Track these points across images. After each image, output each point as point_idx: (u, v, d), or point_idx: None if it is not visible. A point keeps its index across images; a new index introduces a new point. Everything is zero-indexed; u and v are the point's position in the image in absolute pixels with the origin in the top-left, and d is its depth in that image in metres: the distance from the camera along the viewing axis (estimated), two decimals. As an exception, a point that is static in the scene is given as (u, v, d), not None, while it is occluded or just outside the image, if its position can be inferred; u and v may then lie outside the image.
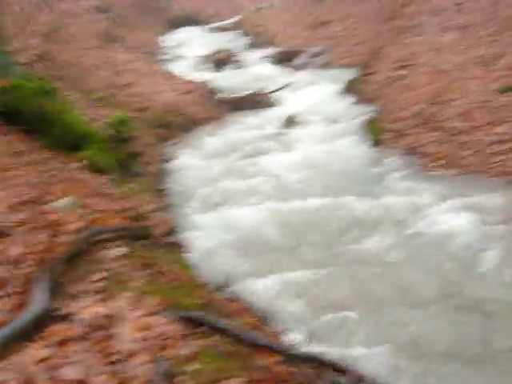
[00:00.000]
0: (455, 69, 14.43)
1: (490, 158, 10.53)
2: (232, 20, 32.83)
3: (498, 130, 11.18)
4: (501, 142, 10.83)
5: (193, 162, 12.51)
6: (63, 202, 6.29)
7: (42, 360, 3.85)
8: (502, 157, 10.47)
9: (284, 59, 22.44)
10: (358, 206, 9.61)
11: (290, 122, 14.61)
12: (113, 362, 3.88)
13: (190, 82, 18.61)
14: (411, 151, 11.58)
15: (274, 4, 32.91)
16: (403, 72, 15.83)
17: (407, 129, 12.39)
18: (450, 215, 8.94)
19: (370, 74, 17.25)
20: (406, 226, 8.84)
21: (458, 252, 8.03)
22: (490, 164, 10.40)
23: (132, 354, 3.96)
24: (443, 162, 10.88)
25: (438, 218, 8.94)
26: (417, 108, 12.98)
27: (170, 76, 19.27)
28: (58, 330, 4.13)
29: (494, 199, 9.28)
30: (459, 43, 15.99)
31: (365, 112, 14.40)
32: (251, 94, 17.31)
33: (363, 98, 15.78)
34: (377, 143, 12.41)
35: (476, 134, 11.29)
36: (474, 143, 11.07)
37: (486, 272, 7.50)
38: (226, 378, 3.92)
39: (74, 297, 4.50)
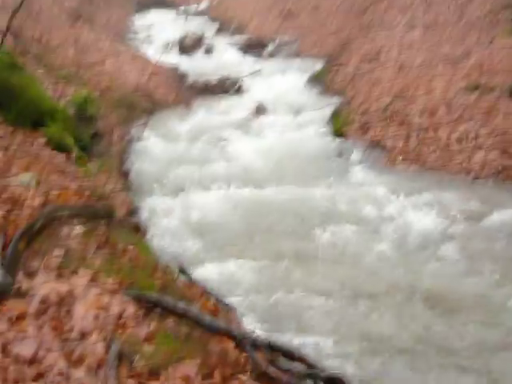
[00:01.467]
0: (423, 65, 14.51)
1: (453, 155, 10.62)
2: (201, 5, 32.63)
3: (462, 127, 11.26)
4: (464, 139, 10.92)
5: (158, 145, 12.43)
6: (24, 177, 6.21)
7: (-5, 335, 3.80)
8: (464, 154, 10.56)
9: (253, 47, 22.37)
10: (319, 196, 9.66)
11: (257, 109, 14.58)
12: (67, 340, 3.84)
13: (159, 64, 18.46)
14: (376, 144, 11.64)
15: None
16: (371, 65, 15.87)
17: (373, 122, 12.44)
18: (411, 210, 9.02)
19: (339, 65, 17.25)
20: (365, 219, 8.89)
21: (414, 246, 8.10)
22: (453, 161, 10.50)
23: (86, 333, 3.93)
24: (407, 156, 10.97)
25: (398, 212, 9.01)
26: (383, 102, 13.03)
27: (139, 57, 19.11)
28: (14, 305, 4.08)
29: (454, 196, 9.37)
30: (428, 40, 16.08)
31: (331, 103, 14.41)
32: (219, 80, 17.24)
33: (330, 89, 15.79)
34: (342, 134, 12.44)
35: (440, 130, 11.38)
36: (438, 140, 11.16)
37: (440, 267, 7.60)
38: (180, 361, 3.90)
39: (32, 273, 4.45)
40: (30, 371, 3.53)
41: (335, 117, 13.41)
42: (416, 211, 8.95)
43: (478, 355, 5.89)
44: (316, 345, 5.76)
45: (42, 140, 8.53)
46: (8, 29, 11.83)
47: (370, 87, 14.34)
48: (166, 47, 22.77)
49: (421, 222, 8.62)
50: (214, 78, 17.38)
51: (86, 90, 12.54)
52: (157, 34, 25.27)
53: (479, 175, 10.06)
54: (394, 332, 6.25)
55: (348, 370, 5.28)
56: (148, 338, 4.04)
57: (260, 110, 14.57)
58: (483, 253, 7.82)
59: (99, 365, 3.66)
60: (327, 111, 13.90)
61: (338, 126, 12.83)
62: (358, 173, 10.65)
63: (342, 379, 4.01)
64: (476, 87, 12.45)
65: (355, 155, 11.42)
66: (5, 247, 4.56)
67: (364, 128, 12.38)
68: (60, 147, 8.75)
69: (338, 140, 12.29)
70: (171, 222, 8.93)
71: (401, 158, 10.98)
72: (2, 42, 11.07)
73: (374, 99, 13.41)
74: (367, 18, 20.21)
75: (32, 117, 8.88)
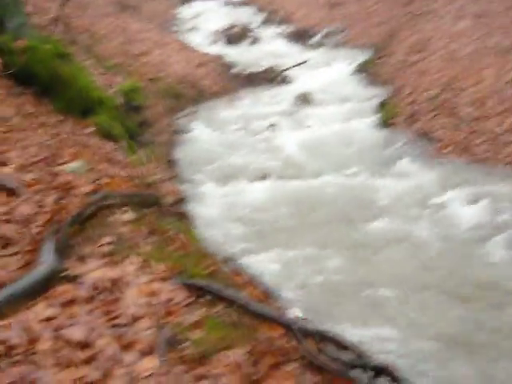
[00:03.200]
0: (472, 56, 14.33)
1: (502, 147, 10.49)
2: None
3: (511, 119, 11.11)
4: (513, 131, 10.79)
5: (204, 135, 12.50)
6: (74, 165, 6.28)
7: (47, 319, 3.85)
8: (513, 146, 10.44)
9: (299, 37, 22.34)
10: (368, 187, 9.62)
11: (304, 100, 14.55)
12: (117, 326, 3.88)
13: (205, 54, 18.53)
14: (423, 135, 11.55)
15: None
16: (419, 56, 15.73)
17: (421, 113, 12.34)
18: (459, 202, 8.94)
19: (385, 56, 17.15)
20: (414, 210, 8.83)
21: (463, 238, 8.03)
22: (502, 153, 10.36)
23: (136, 319, 3.97)
24: (455, 148, 10.85)
25: (446, 203, 8.94)
26: (431, 93, 12.91)
27: (185, 48, 19.16)
28: (65, 290, 4.13)
29: (504, 188, 9.25)
30: (477, 30, 15.86)
31: (378, 94, 14.35)
32: (265, 70, 17.24)
33: (377, 80, 15.71)
34: (389, 125, 12.37)
35: (489, 121, 11.24)
36: (486, 131, 11.03)
37: (490, 259, 7.52)
38: (229, 348, 3.92)
39: (82, 259, 4.50)
40: (82, 354, 3.57)
41: (382, 107, 13.33)
42: (464, 203, 8.86)
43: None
44: (366, 335, 5.75)
45: (91, 129, 8.63)
46: (58, 19, 12.00)
47: (417, 78, 14.22)
48: (213, 37, 22.84)
49: (469, 213, 8.53)
50: (259, 69, 17.38)
51: (134, 79, 12.63)
52: (203, 24, 25.34)
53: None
54: (447, 323, 6.22)
55: (399, 360, 5.25)
56: (197, 325, 4.06)
57: (306, 101, 14.54)
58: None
59: (150, 350, 3.69)
60: (374, 102, 13.82)
61: (386, 116, 12.75)
62: (406, 164, 10.55)
63: (390, 369, 3.99)
64: (526, 78, 12.28)
65: (403, 146, 11.33)
66: (57, 233, 4.62)
67: (412, 119, 12.29)
68: (109, 136, 8.85)
69: (385, 131, 12.22)
70: (218, 211, 8.98)
71: (449, 149, 10.87)
72: (52, 31, 11.22)
73: (422, 90, 13.29)
74: (415, 7, 20.01)
75: (81, 106, 8.98)
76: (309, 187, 9.76)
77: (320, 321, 5.49)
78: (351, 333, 5.42)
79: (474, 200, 8.90)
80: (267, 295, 5.56)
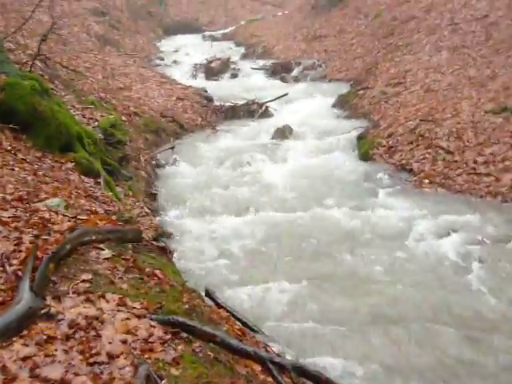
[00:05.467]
0: (449, 88, 14.50)
1: (480, 178, 10.58)
2: (227, 29, 33.03)
3: (489, 150, 11.22)
4: (491, 162, 10.87)
5: (184, 169, 12.54)
6: (52, 201, 6.27)
7: (24, 358, 3.82)
8: (492, 177, 10.51)
9: (279, 70, 22.53)
10: (348, 220, 9.67)
11: (283, 133, 14.63)
12: (94, 364, 3.86)
13: (185, 88, 18.65)
14: (402, 167, 11.66)
15: (268, 16, 33.16)
16: (397, 89, 15.91)
17: (399, 145, 12.45)
18: (438, 233, 8.99)
19: (364, 88, 17.32)
20: (392, 242, 8.87)
21: (441, 269, 8.06)
22: (480, 184, 10.45)
23: (114, 357, 3.94)
24: (434, 179, 10.94)
25: (425, 235, 8.99)
26: (409, 125, 13.03)
27: (165, 82, 19.28)
28: (41, 329, 4.10)
29: (481, 219, 9.32)
30: (454, 63, 16.04)
31: (358, 126, 14.45)
32: (246, 104, 17.36)
33: (357, 113, 15.86)
34: (369, 158, 12.48)
35: (467, 153, 11.35)
36: (464, 162, 11.13)
37: (467, 290, 7.55)
38: (207, 384, 3.91)
39: (59, 297, 4.47)
40: (59, 394, 3.55)
41: (361, 140, 13.43)
42: (443, 234, 8.92)
43: None
44: (343, 369, 5.74)
45: (71, 165, 8.61)
46: (37, 55, 12.02)
47: (396, 111, 14.37)
48: (193, 71, 22.98)
49: (448, 245, 8.58)
50: (240, 102, 17.48)
51: (114, 114, 12.66)
52: (184, 57, 25.53)
53: (507, 198, 10.01)
54: (425, 357, 6.21)
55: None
56: (175, 362, 4.04)
57: (287, 134, 14.61)
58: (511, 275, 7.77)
59: (127, 388, 3.68)
60: (354, 134, 13.92)
61: (364, 149, 12.85)
62: (385, 196, 10.64)
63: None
64: (503, 110, 12.39)
65: (383, 178, 11.42)
66: (34, 271, 4.60)
67: (390, 151, 12.39)
68: (88, 172, 8.83)
69: (365, 163, 12.30)
70: (198, 244, 8.97)
71: (427, 181, 10.96)
72: (32, 67, 11.24)
73: (400, 123, 13.42)
74: (393, 41, 20.24)
75: (60, 142, 8.96)
76: (289, 220, 9.79)
77: (298, 356, 5.50)
78: (329, 367, 5.42)
79: (453, 230, 8.97)
80: (246, 330, 5.56)
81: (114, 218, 6.86)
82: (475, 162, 11.06)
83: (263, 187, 11.32)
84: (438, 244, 8.66)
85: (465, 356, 6.23)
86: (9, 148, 7.86)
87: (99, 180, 8.73)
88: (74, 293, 4.53)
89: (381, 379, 5.77)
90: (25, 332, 4.07)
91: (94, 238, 5.58)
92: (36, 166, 7.70)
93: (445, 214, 9.57)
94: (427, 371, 6.01)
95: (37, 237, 5.27)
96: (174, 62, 25.08)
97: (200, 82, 21.23)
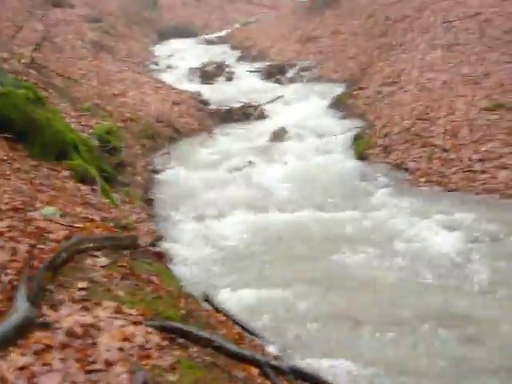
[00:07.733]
0: (444, 86, 14.52)
1: (476, 176, 10.60)
2: (222, 33, 33.05)
3: (485, 147, 11.24)
4: (487, 159, 10.89)
5: (181, 173, 12.54)
6: (48, 210, 6.28)
7: (21, 368, 3.83)
8: (488, 174, 10.53)
9: (273, 73, 22.53)
10: (345, 220, 9.66)
11: (279, 135, 14.65)
12: (91, 371, 3.87)
13: (180, 93, 18.66)
14: (399, 166, 11.67)
15: (262, 19, 33.21)
16: (392, 88, 15.92)
17: (395, 144, 12.47)
18: (434, 232, 8.99)
19: (359, 89, 17.34)
20: (389, 242, 8.86)
21: (438, 268, 8.06)
22: (477, 181, 10.46)
23: (111, 364, 3.95)
24: (430, 178, 10.95)
25: (422, 234, 8.98)
26: (405, 124, 13.06)
27: (160, 87, 19.28)
28: (39, 337, 4.11)
29: (478, 217, 9.32)
30: (448, 61, 16.06)
31: (353, 127, 14.49)
32: (241, 107, 17.39)
33: (352, 113, 15.88)
34: (364, 158, 12.49)
35: (463, 151, 11.36)
36: (460, 160, 11.15)
37: (463, 289, 7.54)
38: (206, 390, 3.92)
39: (56, 305, 4.49)
40: (56, 403, 3.57)
41: (357, 141, 13.46)
42: (440, 233, 8.92)
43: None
44: (341, 371, 5.75)
45: (66, 172, 8.62)
46: (31, 63, 12.05)
47: (391, 110, 14.39)
48: (188, 75, 23.00)
49: (444, 243, 8.58)
50: (235, 105, 17.51)
51: (109, 121, 12.68)
52: (178, 62, 25.54)
53: (503, 195, 10.02)
54: (419, 359, 6.20)
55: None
56: (172, 368, 4.05)
57: (282, 136, 14.63)
58: (508, 275, 7.76)
59: (124, 396, 3.69)
60: (350, 135, 13.94)
61: (361, 149, 12.87)
62: (382, 196, 10.64)
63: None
64: (497, 107, 12.43)
65: (379, 178, 11.43)
66: (30, 280, 4.61)
67: (386, 151, 12.42)
68: (84, 179, 8.84)
69: (360, 164, 12.31)
70: (195, 249, 8.97)
71: (424, 179, 10.97)
72: (26, 75, 11.26)
73: (396, 122, 13.44)
74: (387, 41, 20.27)
75: (56, 150, 8.97)
76: (286, 222, 9.80)
77: (296, 358, 5.51)
78: (327, 369, 5.43)
79: (450, 229, 8.97)
80: (244, 334, 5.57)
81: (110, 224, 6.87)
82: (471, 159, 11.08)
83: (260, 189, 11.33)
84: (435, 242, 8.65)
85: (465, 356, 6.21)
86: (4, 158, 7.87)
87: (95, 187, 8.74)
88: (70, 301, 4.54)
89: (379, 381, 5.77)
90: (22, 341, 4.08)
91: (90, 245, 5.60)
92: (32, 175, 7.71)
93: (441, 212, 9.57)
94: (426, 371, 6.00)
95: (33, 246, 5.28)
96: (169, 66, 25.05)
97: (195, 85, 21.21)
